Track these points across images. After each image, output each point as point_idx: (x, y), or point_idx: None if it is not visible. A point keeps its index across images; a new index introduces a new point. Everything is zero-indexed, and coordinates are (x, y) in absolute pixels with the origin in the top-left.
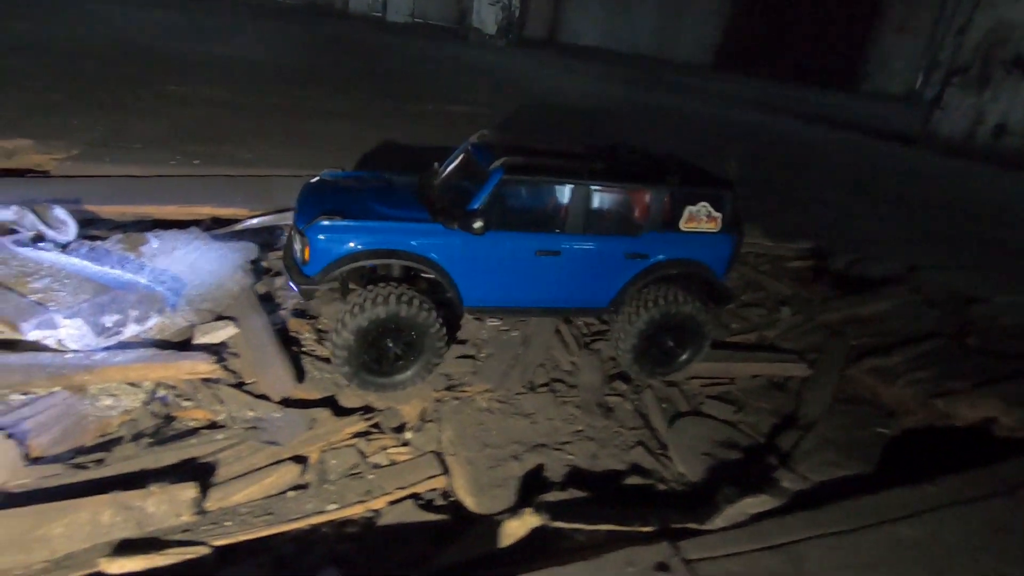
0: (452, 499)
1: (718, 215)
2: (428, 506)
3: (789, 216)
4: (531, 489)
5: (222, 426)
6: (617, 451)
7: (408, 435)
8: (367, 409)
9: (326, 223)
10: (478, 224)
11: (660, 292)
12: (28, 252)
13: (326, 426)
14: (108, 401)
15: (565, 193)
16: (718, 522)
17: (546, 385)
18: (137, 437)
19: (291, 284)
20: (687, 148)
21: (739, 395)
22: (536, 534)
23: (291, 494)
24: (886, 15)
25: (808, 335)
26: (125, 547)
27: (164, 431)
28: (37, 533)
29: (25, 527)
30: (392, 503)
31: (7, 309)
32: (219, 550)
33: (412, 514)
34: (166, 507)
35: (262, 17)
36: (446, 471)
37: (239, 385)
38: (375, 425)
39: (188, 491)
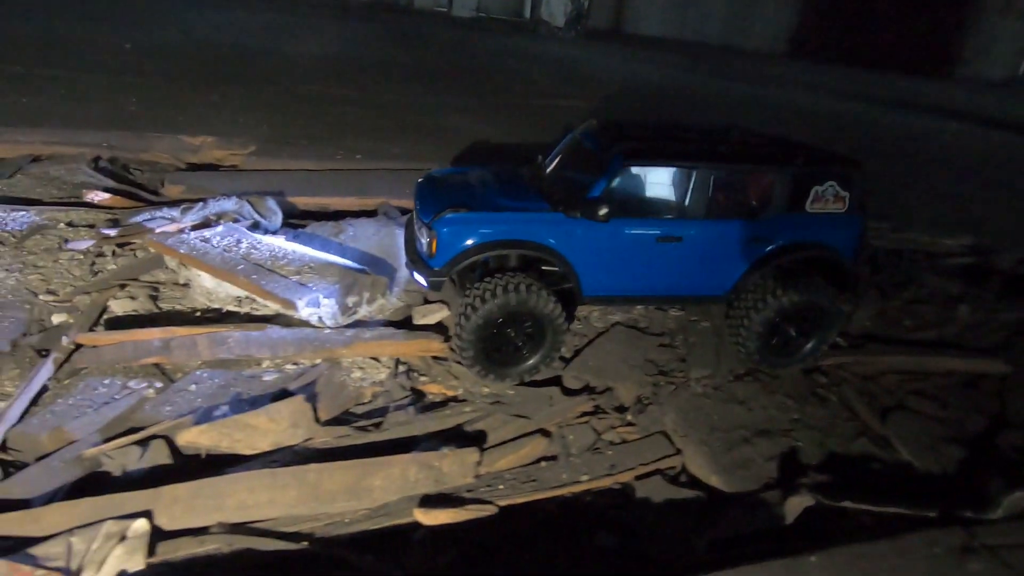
0: (693, 477)
1: (845, 194)
2: (674, 481)
3: (929, 211)
4: (775, 472)
5: (463, 400)
6: (842, 440)
7: (629, 416)
8: (588, 389)
9: (452, 216)
10: (603, 211)
11: (787, 278)
12: (267, 238)
13: (561, 404)
14: (358, 373)
15: (686, 177)
16: (1000, 513)
17: (748, 374)
18: (398, 407)
19: (417, 277)
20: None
21: (937, 392)
22: (807, 513)
23: (543, 464)
24: None
25: (991, 335)
26: (428, 501)
27: (419, 402)
28: (363, 484)
29: (353, 478)
30: (639, 478)
31: (279, 289)
32: (502, 509)
33: (663, 488)
34: (457, 468)
35: (332, 15)
36: (678, 451)
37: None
38: (597, 406)
39: (473, 455)
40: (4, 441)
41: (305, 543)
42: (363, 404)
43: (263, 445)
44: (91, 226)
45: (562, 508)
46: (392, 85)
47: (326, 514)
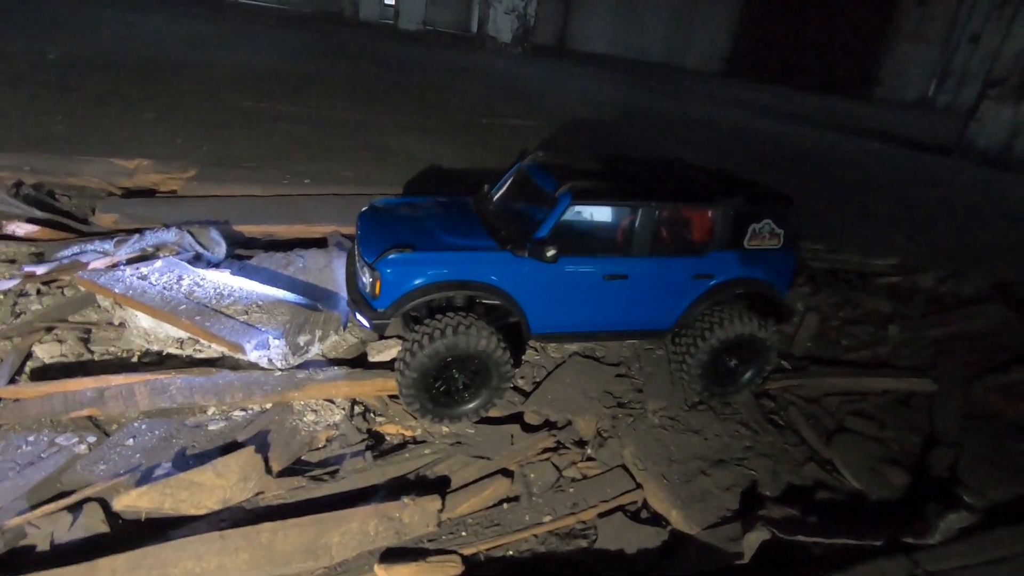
0: (654, 512)
1: (780, 231)
2: (636, 518)
3: (858, 231)
4: (732, 503)
5: (421, 441)
6: (792, 466)
7: (589, 450)
8: (549, 424)
9: (396, 256)
10: (551, 253)
11: (728, 312)
12: (210, 273)
13: (522, 441)
14: (311, 416)
15: (632, 215)
16: (937, 537)
17: (702, 403)
18: (354, 453)
19: (360, 318)
20: (735, 164)
21: (874, 412)
22: (763, 548)
23: (506, 506)
24: (899, 23)
25: (919, 352)
26: (389, 554)
27: (377, 447)
28: (320, 541)
29: (309, 537)
30: (601, 515)
31: (225, 331)
32: (465, 559)
33: (625, 526)
34: (418, 518)
35: (275, 25)
36: (639, 485)
37: None
38: (559, 441)
39: (435, 503)
40: None
41: None
42: (317, 450)
43: (210, 503)
44: (12, 261)
45: (526, 553)
46: (338, 101)
47: None
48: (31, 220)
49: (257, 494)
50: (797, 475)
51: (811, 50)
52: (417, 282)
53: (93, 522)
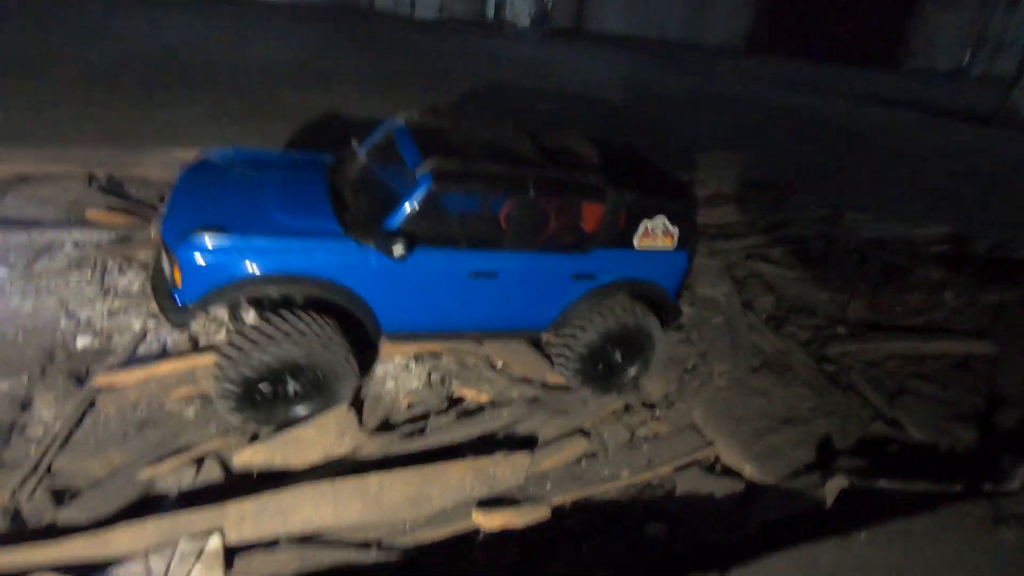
0: (726, 468)
1: (675, 230)
2: (711, 471)
3: (902, 201)
4: (804, 458)
5: (494, 403)
6: (859, 424)
7: (658, 412)
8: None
9: (202, 241)
10: (399, 250)
11: (609, 304)
12: None
13: (594, 403)
14: (391, 384)
15: (504, 204)
16: (1016, 484)
17: (763, 366)
18: (438, 413)
19: (160, 310)
20: (765, 142)
21: (934, 374)
22: (841, 496)
23: (584, 462)
24: None
25: (975, 317)
26: (483, 504)
27: (456, 409)
28: (423, 492)
29: (413, 488)
30: (676, 470)
31: None
32: (554, 508)
33: (701, 479)
34: (510, 472)
35: (292, 18)
36: (709, 443)
37: (493, 368)
38: (628, 404)
39: (524, 459)
40: (50, 468)
41: (373, 552)
42: (402, 412)
43: (313, 457)
44: (96, 245)
45: (608, 503)
46: (372, 94)
47: (387, 522)
48: (108, 207)
49: (353, 449)
50: (864, 432)
51: (836, 22)
52: (231, 274)
53: (212, 474)
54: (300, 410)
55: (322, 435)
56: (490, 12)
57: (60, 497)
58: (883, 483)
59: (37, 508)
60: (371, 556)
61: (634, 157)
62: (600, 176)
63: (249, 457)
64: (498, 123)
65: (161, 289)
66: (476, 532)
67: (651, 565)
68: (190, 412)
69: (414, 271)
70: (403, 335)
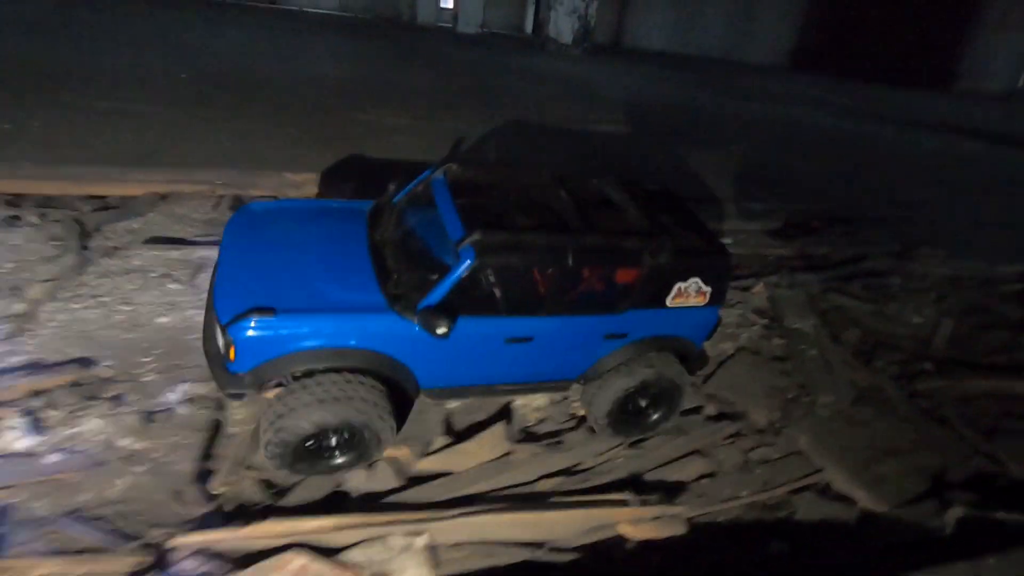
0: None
1: (708, 289)
2: (824, 496)
3: (974, 236)
4: (914, 487)
5: None
6: (960, 459)
7: (766, 438)
8: (723, 416)
9: (255, 323)
10: (442, 329)
11: (637, 360)
12: None
13: (707, 427)
14: (520, 400)
15: (544, 272)
16: None
17: (861, 399)
18: (567, 428)
19: (216, 381)
20: (811, 168)
21: None
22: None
23: (703, 481)
24: (983, 11)
25: None
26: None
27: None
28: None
29: (579, 520)
30: (791, 492)
31: None
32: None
33: (816, 503)
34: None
35: (339, 33)
36: (819, 470)
37: None
38: (738, 430)
39: (683, 513)
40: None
41: (544, 551)
42: (532, 425)
43: (473, 463)
44: None
45: (731, 520)
46: (437, 111)
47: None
48: None
49: (504, 454)
50: (967, 467)
51: (884, 40)
52: (281, 350)
53: (385, 478)
54: (340, 461)
55: (481, 447)
56: (528, 27)
57: (269, 487)
58: (1001, 514)
59: (248, 496)
60: (544, 555)
61: (672, 208)
62: (638, 241)
63: (426, 464)
64: (535, 173)
65: (214, 359)
66: (623, 541)
67: None
68: None
69: (453, 339)
70: (439, 392)
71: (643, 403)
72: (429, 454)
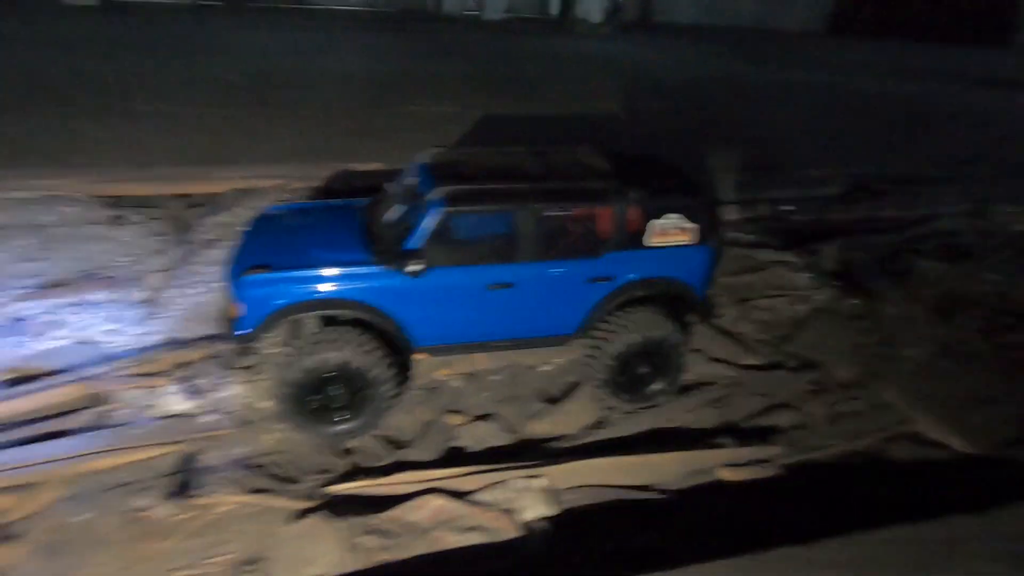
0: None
1: (692, 226)
2: (918, 442)
3: None
4: (1010, 433)
5: (706, 383)
6: None
7: (853, 391)
8: (807, 367)
9: (250, 279)
10: (414, 267)
11: (625, 319)
12: None
13: (792, 381)
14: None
15: (513, 220)
16: None
17: (944, 353)
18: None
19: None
20: (867, 135)
21: None
22: None
23: (793, 433)
24: None
25: None
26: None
27: None
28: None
29: (680, 462)
30: (885, 440)
31: None
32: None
33: (911, 449)
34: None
35: (368, 29)
36: (907, 419)
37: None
38: (821, 383)
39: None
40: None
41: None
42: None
43: (573, 426)
44: None
45: (826, 467)
46: (478, 99)
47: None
48: None
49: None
50: None
51: None
52: (277, 303)
53: (496, 436)
54: (349, 425)
55: (583, 409)
56: (554, 9)
57: (394, 443)
58: None
59: (375, 452)
60: (648, 495)
61: (650, 164)
62: (603, 181)
63: (535, 427)
64: (512, 148)
65: (227, 326)
66: (721, 484)
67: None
68: (459, 383)
69: (435, 288)
70: (434, 349)
71: (644, 368)
72: (530, 418)
